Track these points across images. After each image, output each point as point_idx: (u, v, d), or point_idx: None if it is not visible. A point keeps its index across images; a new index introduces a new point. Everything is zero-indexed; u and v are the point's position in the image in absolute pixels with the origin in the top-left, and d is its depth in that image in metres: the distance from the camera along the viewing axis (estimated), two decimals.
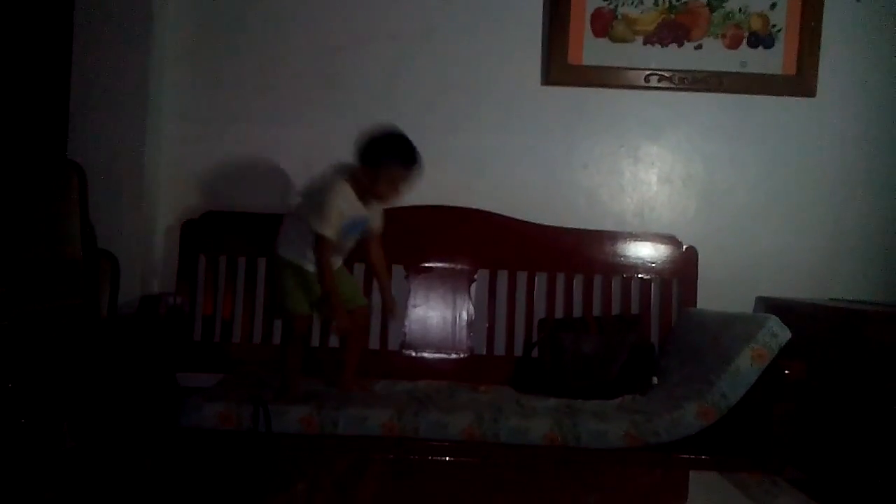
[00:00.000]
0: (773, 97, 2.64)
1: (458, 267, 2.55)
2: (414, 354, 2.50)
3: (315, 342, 2.48)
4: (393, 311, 2.31)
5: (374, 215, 2.21)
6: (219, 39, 2.63)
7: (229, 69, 2.62)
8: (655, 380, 2.36)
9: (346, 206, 2.10)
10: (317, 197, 2.12)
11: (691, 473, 1.89)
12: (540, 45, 2.63)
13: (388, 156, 2.10)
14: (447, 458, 1.88)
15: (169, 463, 1.74)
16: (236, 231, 2.54)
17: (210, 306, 2.52)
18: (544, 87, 2.63)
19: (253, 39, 2.62)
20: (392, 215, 2.54)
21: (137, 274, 2.44)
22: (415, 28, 2.63)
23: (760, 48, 2.61)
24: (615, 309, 2.56)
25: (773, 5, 2.61)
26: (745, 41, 2.61)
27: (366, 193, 2.13)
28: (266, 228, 2.53)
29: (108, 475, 1.56)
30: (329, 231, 2.07)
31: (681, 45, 2.61)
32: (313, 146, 2.62)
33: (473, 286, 2.56)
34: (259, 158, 2.62)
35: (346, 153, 2.60)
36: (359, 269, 2.46)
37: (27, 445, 1.71)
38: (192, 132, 2.62)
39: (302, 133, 2.62)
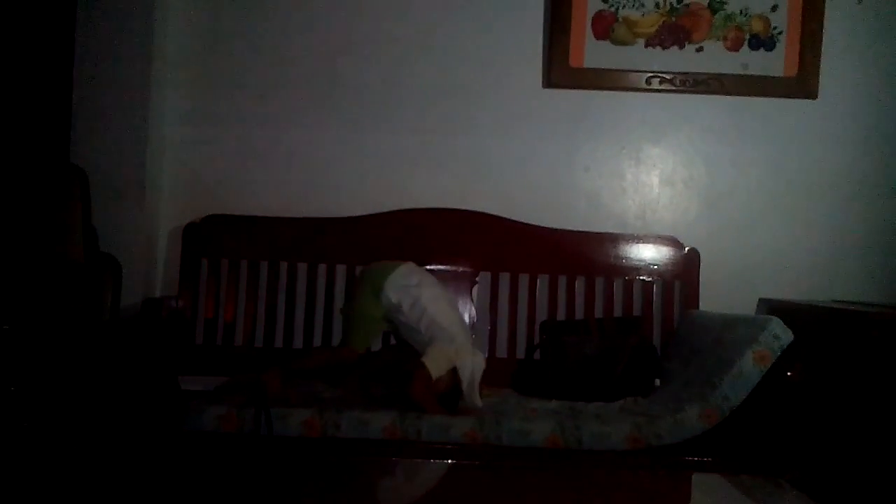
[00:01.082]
0: (775, 99, 2.64)
1: (460, 269, 2.55)
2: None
3: None
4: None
5: None
6: (220, 43, 2.63)
7: (231, 73, 2.63)
8: (658, 382, 2.35)
9: None
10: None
11: (694, 476, 1.89)
12: (541, 47, 2.63)
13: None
14: (449, 461, 1.87)
15: (171, 466, 1.74)
16: (238, 234, 2.55)
17: (212, 310, 2.52)
18: (545, 90, 2.64)
19: (254, 43, 2.63)
20: (394, 218, 2.56)
21: (140, 277, 2.44)
22: (416, 31, 2.63)
23: (762, 50, 2.61)
24: (617, 311, 2.56)
25: (775, 7, 2.61)
26: (746, 43, 2.61)
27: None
28: (267, 232, 2.55)
29: (111, 478, 1.56)
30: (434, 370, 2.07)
31: (682, 47, 2.61)
32: (314, 149, 2.63)
33: (475, 289, 2.56)
34: (261, 161, 2.63)
35: (346, 156, 2.62)
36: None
37: (30, 449, 1.72)
38: (194, 136, 2.63)
39: (303, 136, 2.63)
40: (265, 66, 2.63)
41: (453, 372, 2.09)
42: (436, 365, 2.06)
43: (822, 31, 2.59)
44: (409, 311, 2.16)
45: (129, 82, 2.46)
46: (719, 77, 2.60)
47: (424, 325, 2.15)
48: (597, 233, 2.59)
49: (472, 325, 2.53)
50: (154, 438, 1.95)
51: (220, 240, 2.54)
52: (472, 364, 2.09)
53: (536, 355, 2.48)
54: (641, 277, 2.57)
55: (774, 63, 2.62)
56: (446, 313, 2.19)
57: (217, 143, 2.63)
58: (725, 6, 2.61)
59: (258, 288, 2.54)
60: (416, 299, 2.16)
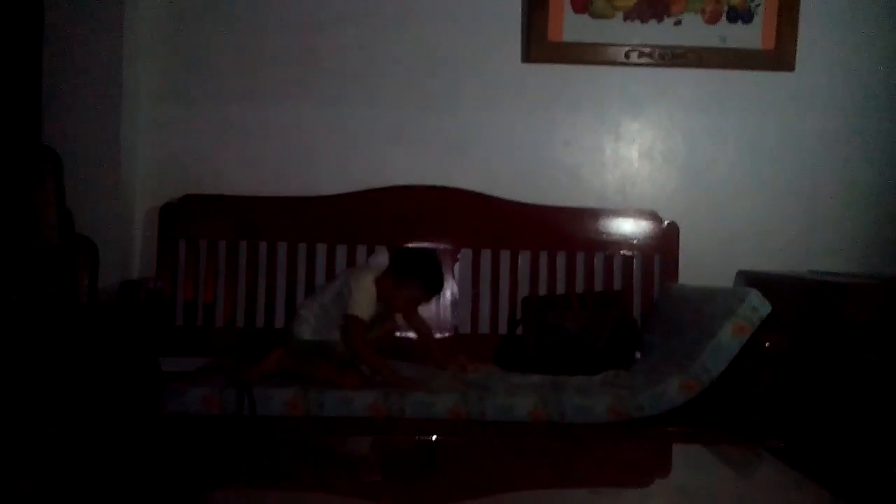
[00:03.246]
0: (753, 72, 2.64)
1: (441, 247, 2.54)
2: (399, 334, 2.49)
3: None
4: (461, 365, 2.28)
5: (388, 315, 2.26)
6: (194, 19, 2.58)
7: (205, 50, 2.59)
8: (638, 355, 2.38)
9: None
10: (349, 285, 2.16)
11: (675, 446, 1.92)
12: (519, 22, 2.61)
13: (417, 276, 2.20)
14: (434, 438, 1.88)
15: (154, 448, 1.74)
16: (216, 214, 2.52)
17: (191, 291, 2.50)
18: (524, 65, 2.62)
19: (229, 19, 2.58)
20: (373, 196, 2.54)
21: (117, 259, 2.41)
22: (394, 6, 2.60)
23: (739, 23, 2.61)
24: (598, 285, 2.57)
25: None
26: (724, 16, 2.61)
27: (382, 298, 2.18)
28: (246, 211, 2.53)
29: (93, 462, 1.55)
30: (362, 313, 2.12)
31: (660, 20, 2.61)
32: (292, 126, 2.60)
33: (457, 266, 2.56)
34: (237, 140, 2.59)
35: (324, 133, 2.59)
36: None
37: (8, 433, 1.70)
38: (169, 114, 2.58)
39: (280, 113, 2.60)
40: (240, 43, 2.58)
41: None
42: (360, 305, 2.11)
43: (798, 3, 2.59)
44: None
45: (100, 61, 2.41)
46: (697, 50, 2.60)
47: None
48: (577, 208, 2.59)
49: (455, 303, 2.54)
50: (136, 421, 1.94)
51: (198, 220, 2.51)
52: None
53: (519, 331, 2.49)
54: (621, 252, 2.58)
55: (752, 36, 2.62)
56: None
57: (192, 121, 2.59)
58: None
59: (238, 268, 2.52)
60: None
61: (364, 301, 2.13)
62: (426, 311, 2.47)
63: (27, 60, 2.40)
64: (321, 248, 2.54)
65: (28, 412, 1.77)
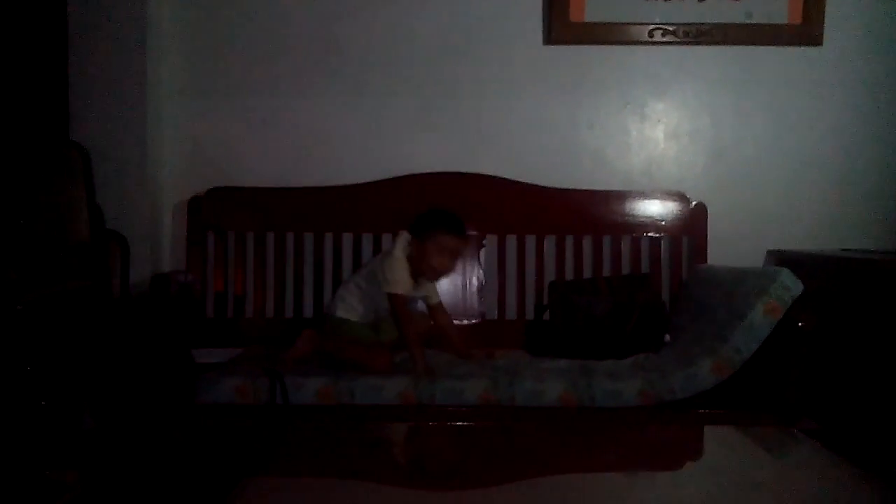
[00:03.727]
0: (779, 48, 2.60)
1: (467, 232, 2.54)
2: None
3: None
4: (486, 356, 2.28)
5: (428, 291, 2.26)
6: (216, 12, 2.59)
7: (228, 42, 2.60)
8: (668, 337, 2.36)
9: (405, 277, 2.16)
10: (381, 265, 2.17)
11: (706, 428, 1.90)
12: (541, 3, 2.58)
13: (437, 226, 2.17)
14: (464, 424, 1.89)
15: (188, 439, 1.76)
16: (243, 206, 2.54)
17: (221, 282, 2.53)
18: (546, 47, 2.60)
19: (251, 11, 2.59)
20: (398, 184, 2.54)
21: (147, 253, 2.44)
22: None
23: None
24: (625, 268, 2.56)
25: None
26: None
27: (419, 269, 2.17)
28: (272, 202, 2.55)
29: (129, 454, 1.58)
30: (400, 289, 2.13)
31: None
32: (315, 116, 2.61)
33: (483, 252, 2.56)
34: (261, 131, 2.61)
35: (348, 122, 2.60)
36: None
37: (48, 427, 1.74)
38: (193, 108, 2.60)
39: (303, 103, 2.60)
40: (262, 35, 2.59)
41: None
42: (396, 282, 2.12)
43: None
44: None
45: (125, 57, 2.43)
46: (723, 27, 2.56)
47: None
48: (603, 191, 2.57)
49: (481, 289, 2.54)
50: (171, 412, 1.97)
51: (225, 212, 2.54)
52: None
53: (546, 316, 2.48)
54: (649, 234, 2.56)
55: (778, 10, 2.57)
56: None
57: (217, 114, 2.61)
58: None
59: (266, 259, 2.54)
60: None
61: (399, 276, 2.13)
62: (453, 297, 2.49)
63: (53, 58, 2.43)
64: (347, 238, 2.55)
65: (66, 405, 1.81)
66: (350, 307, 2.20)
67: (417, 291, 2.22)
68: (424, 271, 2.19)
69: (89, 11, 2.41)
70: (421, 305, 2.29)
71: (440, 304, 2.30)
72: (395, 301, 2.13)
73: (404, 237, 2.20)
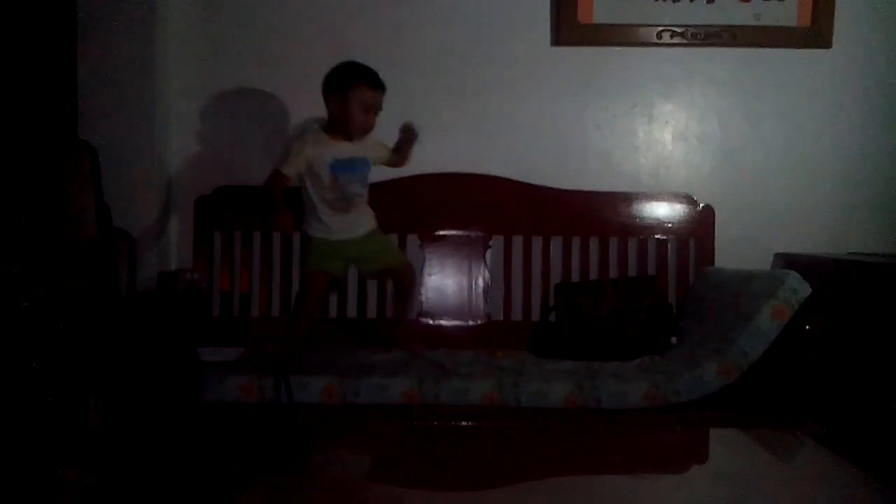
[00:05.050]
0: (788, 50, 2.58)
1: (473, 234, 2.54)
2: (431, 322, 2.51)
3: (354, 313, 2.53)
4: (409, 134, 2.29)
5: (370, 148, 2.22)
6: (223, 12, 2.60)
7: (236, 43, 2.60)
8: (674, 340, 2.35)
9: (317, 149, 2.14)
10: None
11: (712, 431, 1.90)
12: (549, 4, 2.58)
13: (351, 79, 2.14)
14: (469, 424, 1.89)
15: (193, 437, 1.77)
16: (249, 205, 2.54)
17: (227, 281, 2.53)
18: (554, 48, 2.60)
19: (259, 11, 2.59)
20: (404, 185, 2.54)
21: (154, 252, 2.45)
22: None
23: (774, 0, 2.55)
24: (632, 271, 2.55)
25: None
26: None
27: (345, 131, 2.15)
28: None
29: (134, 451, 1.59)
30: (285, 168, 2.13)
31: None
32: (323, 115, 2.60)
33: (489, 253, 2.55)
34: (268, 130, 2.61)
35: None
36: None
37: (53, 424, 1.74)
38: (201, 107, 2.61)
39: (310, 103, 2.59)
40: (270, 34, 2.60)
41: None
42: (286, 161, 2.15)
43: None
44: None
45: (133, 56, 2.44)
46: (731, 28, 2.55)
47: None
48: (610, 192, 2.56)
49: (487, 289, 2.53)
50: (176, 410, 1.97)
51: (232, 211, 2.54)
52: None
53: (552, 317, 2.48)
54: (656, 236, 2.55)
55: (787, 12, 2.56)
56: None
57: (224, 113, 2.61)
58: None
59: (272, 258, 2.54)
60: None
61: (291, 155, 2.14)
62: (458, 298, 2.49)
63: (62, 57, 2.45)
64: None
65: (71, 402, 1.81)
66: (308, 223, 2.21)
67: (356, 152, 2.17)
68: (349, 130, 2.15)
69: (98, 10, 2.42)
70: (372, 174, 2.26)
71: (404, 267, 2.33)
72: (270, 178, 2.13)
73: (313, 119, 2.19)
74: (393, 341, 2.32)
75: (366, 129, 2.17)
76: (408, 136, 2.28)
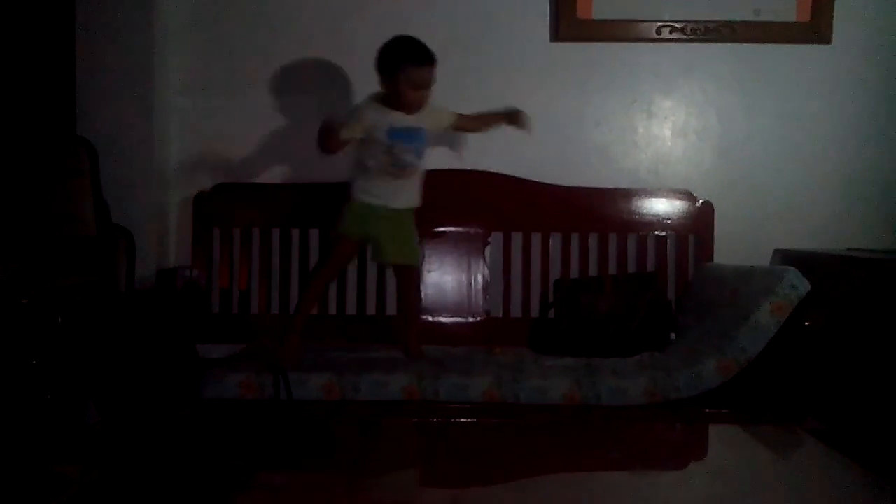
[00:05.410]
0: (788, 45, 2.58)
1: (472, 230, 2.54)
2: (430, 319, 2.51)
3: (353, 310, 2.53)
4: (517, 120, 2.28)
5: (429, 118, 2.19)
6: (222, 9, 2.59)
7: (236, 39, 2.60)
8: (673, 336, 2.36)
9: (376, 116, 2.12)
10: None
11: (711, 427, 1.90)
12: (548, 0, 2.58)
13: (399, 59, 2.11)
14: (469, 420, 1.89)
15: (192, 434, 1.77)
16: (248, 202, 2.54)
17: (226, 278, 2.53)
18: (554, 44, 2.59)
19: (258, 7, 2.59)
20: None
21: (153, 249, 2.45)
22: None
23: None
24: (631, 267, 2.55)
25: None
26: None
27: (399, 106, 2.13)
28: (277, 198, 2.55)
29: (133, 448, 1.59)
30: (344, 131, 2.09)
31: None
32: (321, 112, 2.60)
33: (488, 249, 2.55)
34: (267, 128, 2.60)
35: None
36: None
37: (53, 421, 1.74)
38: (199, 104, 2.60)
39: (309, 99, 2.60)
40: (270, 31, 2.59)
41: None
42: (345, 125, 2.12)
43: None
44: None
45: (132, 53, 2.43)
46: (731, 24, 2.55)
47: None
48: (609, 188, 2.56)
49: (486, 286, 2.53)
50: (175, 407, 1.97)
51: (231, 208, 2.54)
52: None
53: (551, 314, 2.48)
54: (655, 232, 2.55)
55: (787, 8, 2.56)
56: None
57: (223, 110, 2.60)
58: None
59: (271, 255, 2.54)
60: None
61: (349, 119, 2.12)
62: (458, 294, 2.49)
63: (61, 54, 2.44)
64: None
65: (71, 399, 1.81)
66: (360, 188, 2.18)
67: (413, 122, 2.14)
68: (402, 107, 2.13)
69: (97, 7, 2.41)
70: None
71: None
72: (329, 135, 2.08)
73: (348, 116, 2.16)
74: (404, 349, 2.26)
75: (419, 106, 2.14)
76: (512, 119, 2.27)
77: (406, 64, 2.09)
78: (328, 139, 2.09)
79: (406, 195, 2.21)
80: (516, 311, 2.54)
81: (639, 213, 2.55)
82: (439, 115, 2.24)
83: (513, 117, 2.27)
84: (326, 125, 2.09)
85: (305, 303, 2.22)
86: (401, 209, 2.20)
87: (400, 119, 2.13)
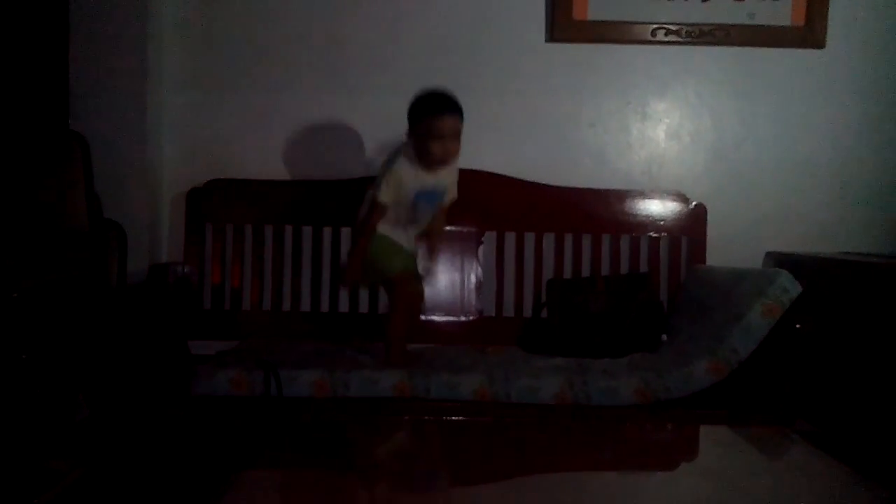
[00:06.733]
0: (782, 49, 2.59)
1: (465, 229, 2.54)
2: (423, 318, 2.50)
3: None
4: (431, 247, 2.27)
5: (447, 182, 2.18)
6: (218, 5, 2.59)
7: (230, 35, 2.59)
8: (665, 337, 2.36)
9: (408, 176, 2.09)
10: (381, 169, 2.15)
11: (702, 428, 1.90)
12: (543, 1, 2.58)
13: (419, 112, 2.10)
14: (459, 418, 1.89)
15: (183, 430, 1.76)
16: (242, 199, 2.54)
17: (219, 274, 2.52)
18: (549, 45, 2.59)
19: (251, 3, 2.58)
20: None
21: (145, 244, 2.44)
22: None
23: None
24: (624, 268, 2.55)
25: None
26: None
27: (426, 162, 2.10)
28: (271, 195, 2.54)
29: (124, 444, 1.58)
30: (382, 196, 2.08)
31: None
32: (315, 109, 2.60)
33: (481, 248, 2.55)
34: (261, 123, 2.60)
35: (348, 117, 2.60)
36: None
37: (42, 415, 1.73)
38: (193, 99, 2.60)
39: (302, 96, 2.60)
40: (263, 27, 2.59)
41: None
42: (381, 190, 2.11)
43: None
44: None
45: (126, 47, 2.42)
46: (725, 27, 2.56)
47: None
48: (603, 189, 2.57)
49: (479, 286, 2.53)
50: (165, 403, 1.96)
51: (224, 204, 2.53)
52: None
53: (544, 314, 2.48)
54: (648, 233, 2.56)
55: (781, 12, 2.57)
56: None
57: (217, 106, 2.60)
58: None
59: (264, 252, 2.54)
60: None
61: (388, 182, 2.08)
62: (451, 293, 2.49)
63: (54, 48, 2.43)
64: (345, 232, 2.54)
65: (61, 394, 1.80)
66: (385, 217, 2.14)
67: (438, 180, 2.13)
68: (429, 161, 2.09)
69: (91, 2, 2.40)
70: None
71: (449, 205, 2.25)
72: (372, 208, 2.09)
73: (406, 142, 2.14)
74: (385, 358, 2.15)
75: (445, 161, 2.11)
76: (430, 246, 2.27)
77: (428, 115, 2.07)
78: (372, 214, 2.10)
79: (412, 239, 2.23)
80: (508, 310, 2.54)
81: (632, 214, 2.55)
82: (454, 177, 2.21)
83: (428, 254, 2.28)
84: (360, 220, 2.14)
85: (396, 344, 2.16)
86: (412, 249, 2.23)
87: (427, 179, 2.11)
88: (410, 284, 2.19)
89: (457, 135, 2.09)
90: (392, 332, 2.14)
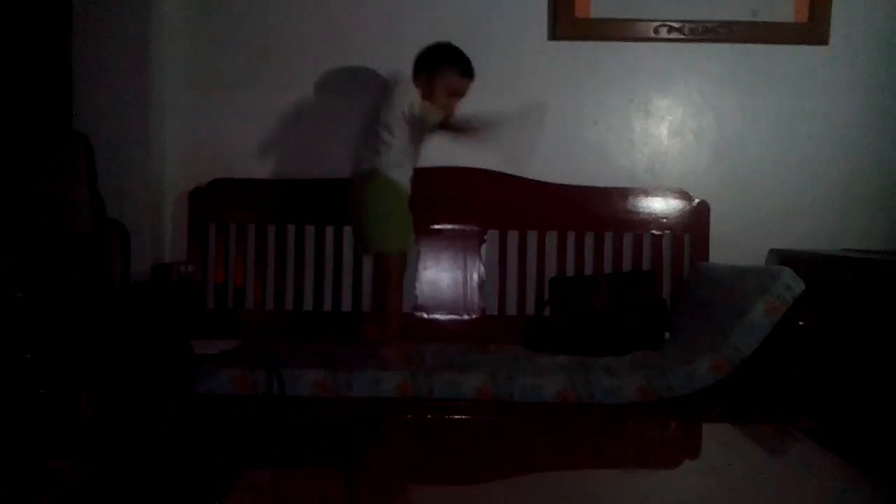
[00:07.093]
0: (785, 46, 2.58)
1: (468, 228, 2.54)
2: (426, 316, 2.51)
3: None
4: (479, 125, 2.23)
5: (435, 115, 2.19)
6: (220, 5, 2.59)
7: (233, 34, 2.60)
8: (668, 335, 2.36)
9: (435, 117, 2.14)
10: (388, 98, 2.14)
11: (705, 426, 1.90)
12: None
13: (446, 62, 2.11)
14: (462, 417, 1.89)
15: (186, 429, 1.76)
16: (244, 198, 2.54)
17: (221, 274, 2.53)
18: (551, 42, 2.59)
19: (253, 3, 2.59)
20: None
21: (148, 244, 2.44)
22: None
23: None
24: (626, 265, 2.55)
25: None
26: None
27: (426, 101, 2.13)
28: (273, 194, 2.55)
29: (127, 443, 1.58)
30: (433, 115, 2.12)
31: None
32: (317, 108, 2.60)
33: (484, 247, 2.55)
34: (263, 123, 2.60)
35: (351, 115, 2.59)
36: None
37: (46, 415, 1.74)
38: (196, 99, 2.60)
39: (305, 95, 2.60)
40: (266, 27, 2.59)
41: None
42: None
43: None
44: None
45: (129, 47, 2.43)
46: (728, 24, 2.55)
47: None
48: (605, 187, 2.56)
49: (481, 284, 2.53)
50: (168, 402, 1.97)
51: (227, 204, 2.54)
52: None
53: (546, 312, 2.48)
54: (651, 231, 2.55)
55: (784, 9, 2.56)
56: None
57: (219, 105, 2.60)
58: None
59: (267, 251, 2.54)
60: None
61: (426, 110, 2.11)
62: (453, 291, 2.49)
63: (57, 48, 2.43)
64: (348, 231, 2.54)
65: (64, 393, 1.81)
66: (397, 163, 2.13)
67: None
68: (429, 106, 2.13)
69: (94, 1, 2.41)
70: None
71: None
72: (395, 263, 2.12)
73: (403, 82, 2.14)
74: (377, 359, 2.10)
75: (446, 114, 2.15)
76: (473, 126, 2.23)
77: (450, 68, 2.09)
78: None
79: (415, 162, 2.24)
80: (511, 308, 2.54)
81: (635, 212, 2.55)
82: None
83: (473, 125, 2.25)
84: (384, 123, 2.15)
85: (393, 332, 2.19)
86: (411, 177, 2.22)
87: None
88: (402, 263, 2.19)
89: (463, 96, 2.18)
90: (392, 304, 2.15)
